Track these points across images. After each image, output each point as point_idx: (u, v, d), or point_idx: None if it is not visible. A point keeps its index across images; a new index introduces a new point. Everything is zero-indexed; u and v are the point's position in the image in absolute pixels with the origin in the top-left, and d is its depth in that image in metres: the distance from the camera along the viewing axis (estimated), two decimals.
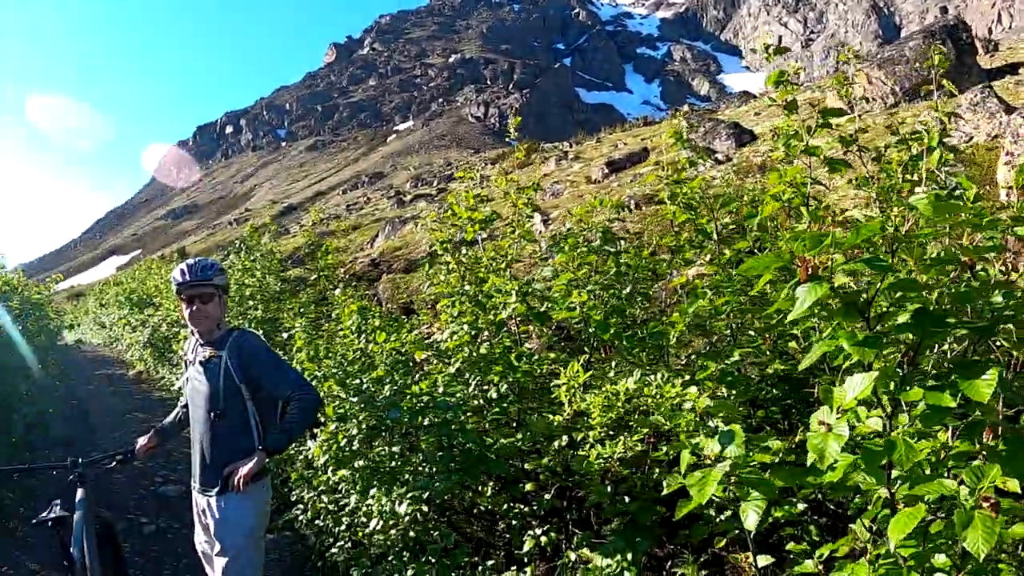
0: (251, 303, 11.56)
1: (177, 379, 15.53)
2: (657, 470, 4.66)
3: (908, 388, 2.58)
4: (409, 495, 5.24)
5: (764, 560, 3.72)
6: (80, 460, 5.15)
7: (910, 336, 2.67)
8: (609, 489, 4.69)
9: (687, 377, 4.53)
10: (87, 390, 17.96)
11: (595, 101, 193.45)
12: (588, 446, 4.73)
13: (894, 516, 2.50)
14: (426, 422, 5.23)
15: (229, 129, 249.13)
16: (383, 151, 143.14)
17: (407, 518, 5.43)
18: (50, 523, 4.43)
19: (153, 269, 26.24)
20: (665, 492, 3.53)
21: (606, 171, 20.98)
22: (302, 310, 10.18)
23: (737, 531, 3.99)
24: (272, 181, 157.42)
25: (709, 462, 3.16)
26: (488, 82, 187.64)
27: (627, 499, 4.67)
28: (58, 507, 4.53)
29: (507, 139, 6.82)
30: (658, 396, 4.44)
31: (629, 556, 4.32)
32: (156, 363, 18.81)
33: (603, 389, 4.66)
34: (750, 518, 2.96)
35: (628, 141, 32.09)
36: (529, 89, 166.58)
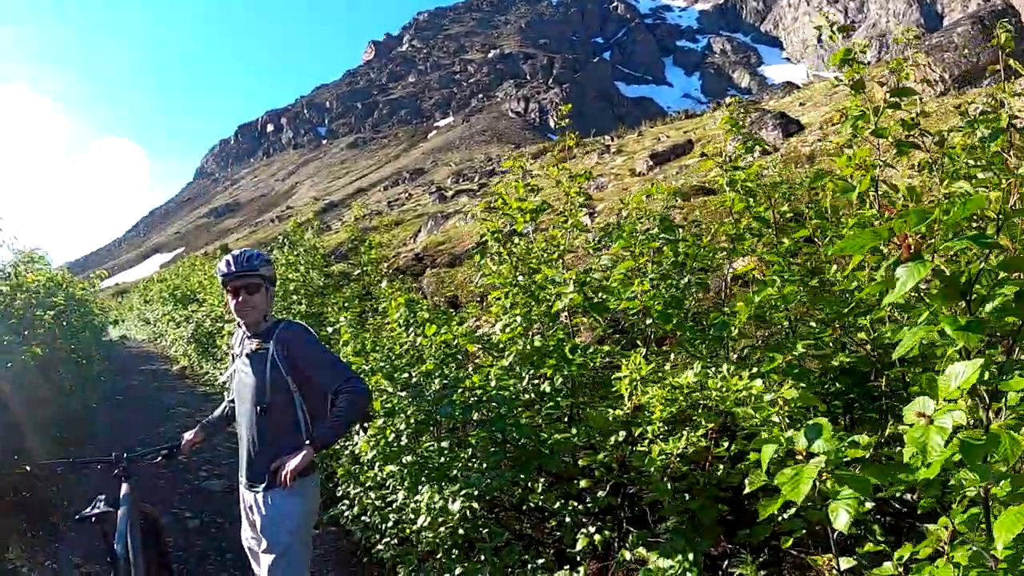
0: (295, 298, 11.49)
1: (221, 374, 15.58)
2: (721, 466, 4.47)
3: (1008, 377, 2.39)
4: (462, 492, 5.10)
5: (847, 562, 3.52)
6: (125, 455, 5.09)
7: (1011, 320, 2.47)
8: (669, 486, 4.49)
9: (754, 370, 4.33)
10: (131, 385, 18.05)
11: (635, 95, 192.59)
12: (647, 442, 4.56)
13: (1000, 515, 2.30)
14: (479, 417, 5.08)
15: (270, 128, 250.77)
16: (424, 147, 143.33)
17: (457, 515, 5.29)
18: (94, 519, 4.34)
19: (196, 265, 26.31)
20: (748, 490, 3.35)
21: (650, 163, 20.78)
22: (346, 304, 10.06)
23: (804, 531, 3.86)
24: (313, 179, 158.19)
25: (800, 458, 2.96)
26: (527, 77, 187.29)
27: (687, 496, 4.49)
28: (102, 503, 4.44)
29: (549, 133, 6.65)
30: (724, 389, 4.28)
31: (690, 556, 4.15)
32: (200, 358, 18.88)
33: (666, 382, 4.48)
34: (841, 518, 2.75)
35: (670, 134, 31.82)
36: (569, 84, 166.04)
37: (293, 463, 4.41)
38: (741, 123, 5.73)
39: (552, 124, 6.58)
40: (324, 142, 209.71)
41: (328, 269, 14.95)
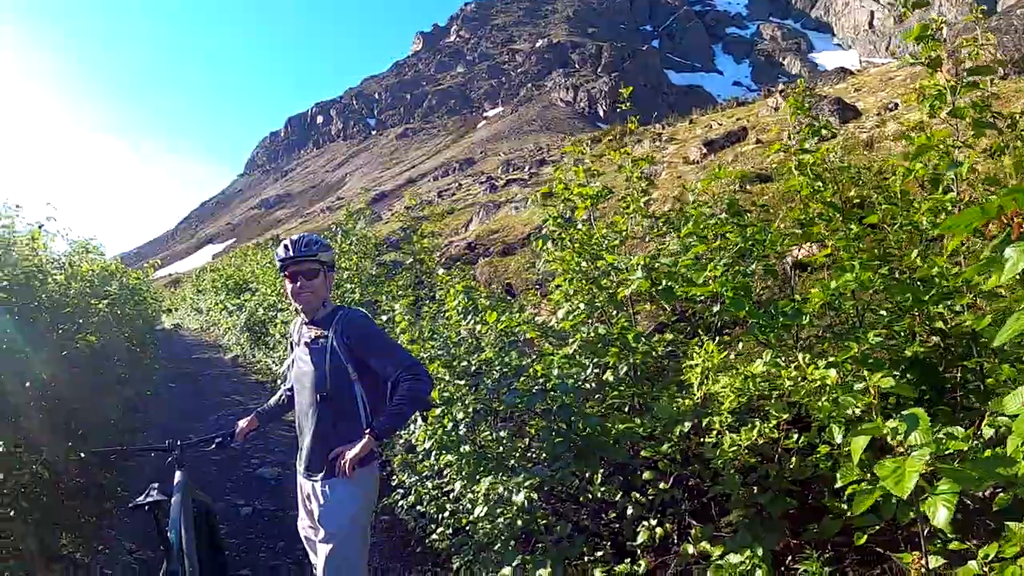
0: (348, 286, 11.42)
1: (273, 363, 15.62)
2: (793, 459, 4.33)
3: None
4: (526, 483, 4.99)
5: (936, 561, 3.35)
6: (179, 442, 5.08)
7: None
8: (737, 479, 4.35)
9: (831, 359, 4.14)
10: (185, 374, 18.18)
11: (684, 83, 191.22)
12: (715, 433, 4.43)
13: None
14: (543, 406, 4.94)
15: (319, 119, 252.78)
16: (473, 137, 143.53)
17: (516, 507, 5.17)
18: (147, 507, 4.27)
19: (249, 255, 26.44)
20: (840, 484, 3.25)
21: (704, 151, 20.48)
22: (400, 293, 9.98)
23: (879, 526, 3.75)
24: (363, 169, 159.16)
25: (901, 451, 2.79)
26: (576, 66, 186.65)
27: (756, 490, 4.37)
28: (155, 491, 4.37)
29: (598, 122, 6.49)
30: (799, 379, 4.11)
31: (759, 551, 3.99)
32: (252, 347, 18.95)
33: (739, 371, 4.31)
34: (940, 514, 2.59)
35: (722, 121, 31.43)
36: (617, 72, 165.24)
37: (353, 452, 4.33)
38: (807, 105, 5.55)
39: (601, 113, 6.41)
40: (373, 133, 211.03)
41: (380, 258, 14.88)
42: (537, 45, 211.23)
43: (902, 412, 2.91)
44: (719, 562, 4.07)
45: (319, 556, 4.54)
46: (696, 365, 4.58)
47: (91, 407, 8.27)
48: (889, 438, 2.89)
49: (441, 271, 8.89)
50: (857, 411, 3.97)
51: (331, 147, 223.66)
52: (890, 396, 4.21)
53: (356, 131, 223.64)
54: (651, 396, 5.38)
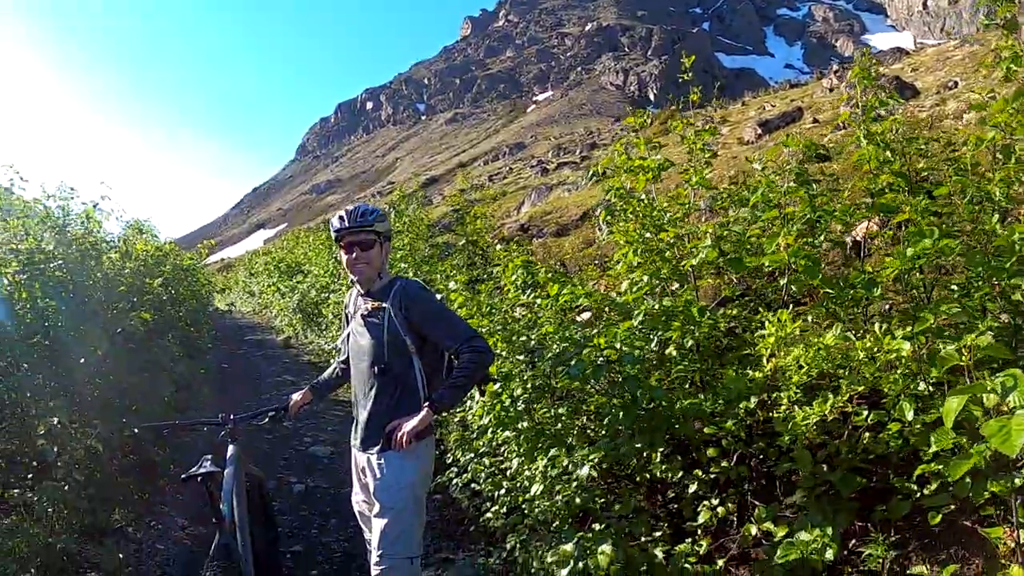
0: (402, 266, 11.38)
1: (325, 343, 15.65)
2: (866, 435, 4.15)
3: None
4: (591, 456, 4.87)
5: None
6: (232, 416, 5.00)
7: None
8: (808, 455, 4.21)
9: (908, 329, 3.96)
10: (237, 354, 18.35)
11: (735, 66, 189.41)
12: (783, 408, 4.27)
13: None
14: (609, 379, 4.80)
15: (369, 105, 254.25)
16: (523, 122, 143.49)
17: (575, 485, 5.09)
18: (200, 478, 4.19)
19: (301, 238, 26.56)
20: (934, 449, 3.16)
21: (759, 131, 20.16)
22: (453, 273, 9.91)
23: (953, 506, 3.64)
24: (413, 154, 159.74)
25: (1006, 410, 2.64)
26: (626, 50, 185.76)
27: (824, 468, 4.21)
28: (208, 462, 4.29)
29: (649, 106, 6.31)
30: (875, 350, 3.95)
31: (829, 530, 3.84)
32: (305, 328, 19.04)
33: (812, 341, 4.12)
34: None
35: (775, 103, 30.99)
36: (668, 55, 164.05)
37: (410, 425, 4.25)
38: (851, 89, 5.37)
39: (652, 97, 6.25)
40: (423, 118, 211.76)
41: (433, 240, 14.84)
42: (586, 29, 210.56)
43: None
44: (790, 540, 3.91)
45: (374, 530, 4.45)
46: (769, 335, 4.39)
47: (144, 384, 8.32)
48: (986, 399, 2.81)
49: (499, 246, 8.78)
50: (929, 388, 3.89)
51: (381, 132, 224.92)
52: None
53: (405, 116, 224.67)
54: (713, 373, 5.25)
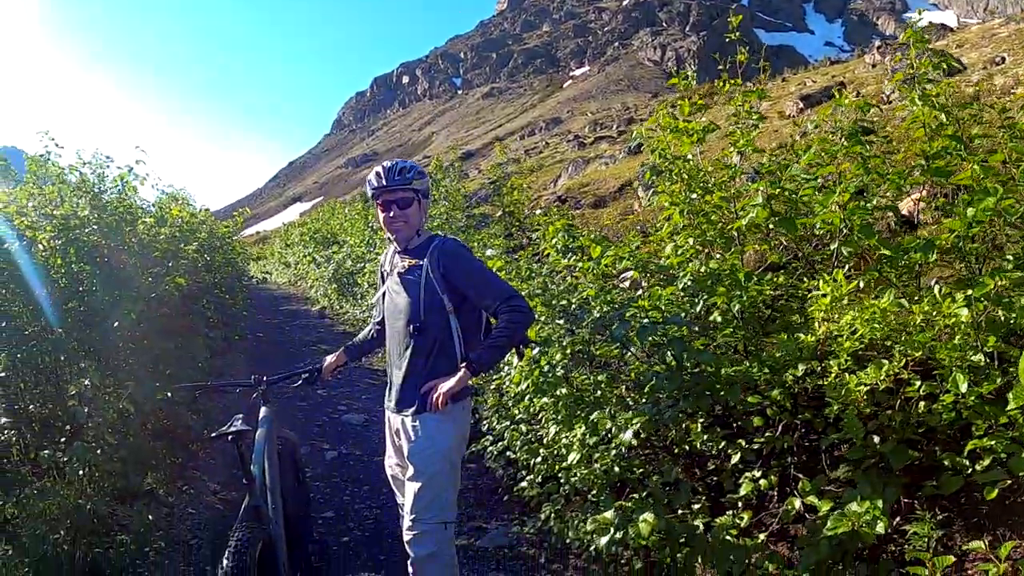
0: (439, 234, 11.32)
1: (360, 313, 15.63)
2: (921, 404, 3.97)
3: None
4: (635, 420, 4.76)
5: None
6: (264, 378, 4.90)
7: None
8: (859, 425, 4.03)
9: (969, 292, 3.80)
10: (272, 324, 18.38)
11: (774, 43, 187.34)
12: (834, 375, 4.11)
13: None
14: (654, 340, 4.69)
15: (405, 79, 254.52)
16: (559, 97, 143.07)
17: (614, 452, 5.03)
18: (231, 437, 4.09)
19: (337, 209, 26.60)
20: (1012, 406, 3.09)
21: (800, 105, 19.91)
22: (492, 241, 9.82)
23: (1009, 481, 3.49)
24: (449, 128, 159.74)
25: None
26: (664, 25, 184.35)
27: (876, 439, 4.04)
28: (240, 421, 4.20)
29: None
30: (934, 313, 3.81)
31: (879, 503, 3.66)
32: (339, 298, 19.03)
33: (868, 305, 3.96)
34: None
35: (816, 79, 30.59)
36: (706, 31, 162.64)
37: (447, 386, 4.11)
38: (897, 64, 5.17)
39: (690, 73, 6.06)
40: (459, 92, 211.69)
41: (469, 211, 14.76)
42: (624, 3, 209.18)
43: None
44: (840, 511, 3.74)
45: (407, 494, 4.35)
46: (823, 296, 4.22)
47: (178, 349, 8.31)
48: None
49: (538, 212, 8.67)
50: (984, 360, 3.75)
51: (417, 107, 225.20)
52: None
53: (441, 91, 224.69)
54: (757, 343, 5.12)
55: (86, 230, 7.06)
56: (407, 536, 4.28)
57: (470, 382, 4.29)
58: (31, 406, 6.11)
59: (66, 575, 4.95)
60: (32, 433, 6.00)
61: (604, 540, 4.37)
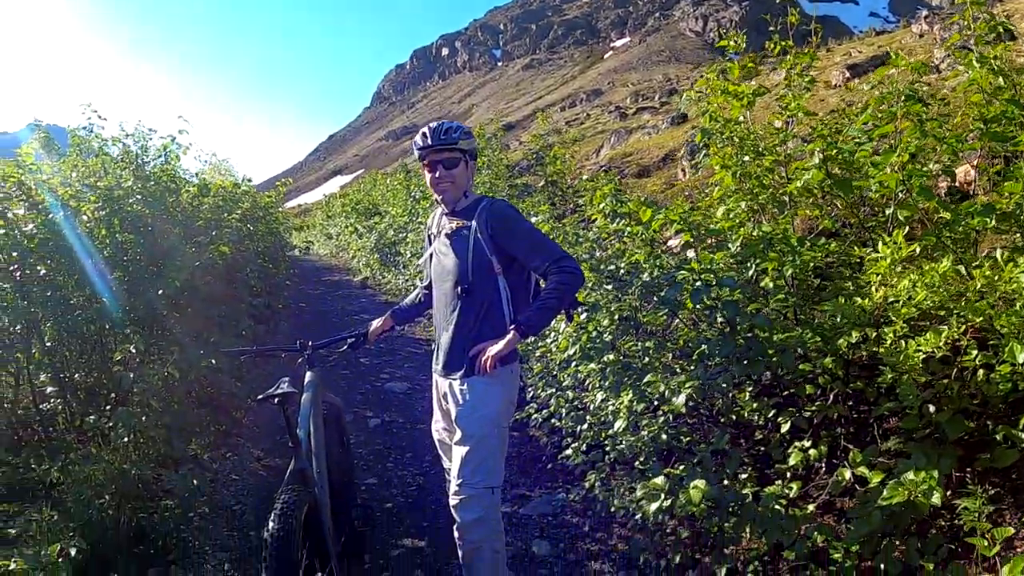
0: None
1: (403, 283, 15.65)
2: (980, 372, 3.86)
3: None
4: (687, 384, 4.68)
5: None
6: (310, 342, 4.86)
7: None
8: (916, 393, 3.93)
9: None
10: (314, 294, 18.48)
11: (818, 13, 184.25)
12: (889, 342, 4.00)
13: None
14: (706, 303, 4.61)
15: (445, 51, 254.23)
16: (600, 68, 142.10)
17: (661, 419, 4.99)
18: (276, 399, 4.06)
19: (378, 181, 26.62)
20: None
21: (847, 75, 19.54)
22: (536, 209, 9.75)
23: None
24: (489, 100, 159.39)
25: None
26: None
27: (931, 409, 3.94)
28: (286, 384, 4.16)
29: (731, 55, 5.99)
30: (995, 278, 3.70)
31: (934, 473, 3.59)
32: (382, 268, 19.02)
33: (927, 268, 3.85)
34: None
35: (862, 49, 30.06)
36: (748, 1, 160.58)
37: (495, 348, 4.05)
38: (946, 32, 5.00)
39: (737, 35, 5.91)
40: (499, 64, 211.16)
41: (512, 180, 14.68)
42: None
43: None
44: (896, 480, 3.67)
45: (454, 459, 4.30)
46: (882, 258, 4.10)
47: (222, 317, 8.34)
48: None
49: (585, 177, 8.59)
50: None
51: (456, 79, 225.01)
52: None
53: (481, 63, 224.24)
54: (807, 311, 5.03)
55: (130, 200, 7.12)
56: (453, 500, 4.24)
57: (518, 346, 4.22)
58: (76, 375, 6.20)
59: (111, 540, 4.96)
60: (77, 401, 6.06)
61: (654, 506, 4.32)
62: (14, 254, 5.62)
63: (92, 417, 5.71)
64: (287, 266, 16.39)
